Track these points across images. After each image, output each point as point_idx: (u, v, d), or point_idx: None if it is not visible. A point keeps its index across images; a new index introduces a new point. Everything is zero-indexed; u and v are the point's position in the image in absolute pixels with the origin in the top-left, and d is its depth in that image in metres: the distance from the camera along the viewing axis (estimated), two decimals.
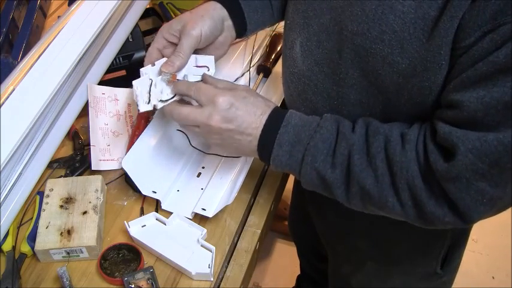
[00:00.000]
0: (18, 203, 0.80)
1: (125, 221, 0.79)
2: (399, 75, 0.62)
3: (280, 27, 1.08)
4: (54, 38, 0.90)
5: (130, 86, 0.98)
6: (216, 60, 0.82)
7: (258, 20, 0.85)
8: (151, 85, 0.75)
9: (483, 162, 0.57)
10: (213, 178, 0.87)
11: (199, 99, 0.71)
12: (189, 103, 0.76)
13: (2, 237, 0.77)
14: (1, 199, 0.76)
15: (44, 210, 0.80)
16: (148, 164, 0.86)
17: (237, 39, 0.90)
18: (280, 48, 1.04)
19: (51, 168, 0.89)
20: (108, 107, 0.94)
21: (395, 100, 0.66)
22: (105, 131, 0.92)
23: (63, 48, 0.89)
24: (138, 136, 0.87)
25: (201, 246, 0.78)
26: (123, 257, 0.77)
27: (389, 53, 0.61)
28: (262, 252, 1.51)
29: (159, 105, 0.74)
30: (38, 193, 0.85)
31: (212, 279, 0.76)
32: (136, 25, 1.03)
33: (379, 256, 0.92)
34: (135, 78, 0.76)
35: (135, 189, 0.85)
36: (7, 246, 0.78)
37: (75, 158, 0.91)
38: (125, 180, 0.88)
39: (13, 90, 0.83)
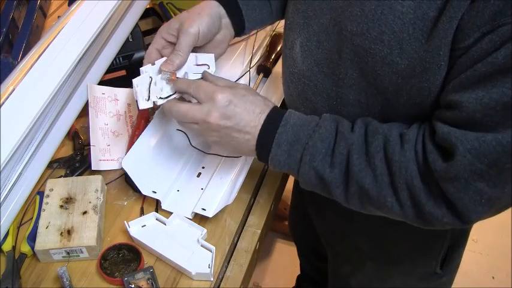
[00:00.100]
0: (18, 203, 0.80)
1: (125, 221, 0.79)
2: (398, 75, 0.62)
3: (280, 27, 1.08)
4: (54, 38, 0.90)
5: (130, 86, 0.98)
6: (215, 58, 0.82)
7: (256, 18, 0.85)
8: (151, 83, 0.75)
9: (482, 162, 0.57)
10: (213, 178, 0.87)
11: (198, 96, 0.71)
12: (189, 102, 0.76)
13: (2, 237, 0.77)
14: (1, 199, 0.76)
15: (44, 210, 0.80)
16: (148, 164, 0.86)
17: (237, 39, 0.91)
18: (280, 48, 1.04)
19: (51, 168, 0.89)
20: (108, 107, 0.94)
21: (395, 100, 0.66)
22: (105, 131, 0.92)
23: (63, 48, 0.89)
24: (138, 136, 0.87)
25: (201, 246, 0.78)
26: (123, 257, 0.77)
27: (389, 53, 0.61)
28: (262, 252, 1.51)
29: (159, 102, 0.75)
30: (38, 193, 0.85)
31: (212, 279, 0.76)
32: (137, 25, 1.03)
33: (379, 256, 0.92)
34: (135, 78, 0.76)
35: (135, 189, 0.85)
36: (7, 246, 0.78)
37: (75, 158, 0.91)
38: (125, 180, 0.88)
39: (13, 90, 0.83)
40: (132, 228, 0.79)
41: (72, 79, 0.89)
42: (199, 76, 0.78)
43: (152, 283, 0.73)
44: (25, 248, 0.78)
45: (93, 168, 0.86)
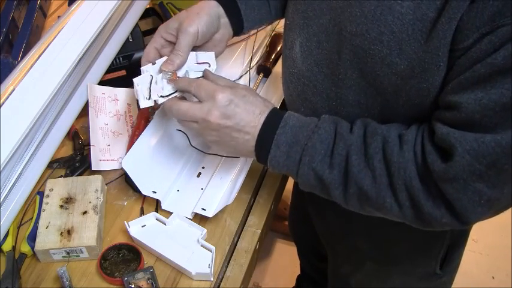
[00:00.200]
0: (18, 203, 0.80)
1: (125, 221, 0.79)
2: (397, 76, 0.62)
3: (280, 27, 1.08)
4: (54, 38, 0.90)
5: (130, 85, 0.98)
6: (215, 57, 0.82)
7: (255, 18, 0.85)
8: (151, 82, 0.76)
9: (480, 163, 0.57)
10: (213, 178, 0.87)
11: (199, 94, 0.71)
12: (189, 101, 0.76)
13: (2, 237, 0.77)
14: (1, 199, 0.76)
15: (44, 210, 0.80)
16: (148, 164, 0.86)
17: (237, 39, 0.90)
18: (280, 48, 1.04)
19: (51, 168, 0.89)
20: (108, 107, 0.94)
21: (394, 101, 0.66)
22: (105, 131, 0.92)
23: (63, 48, 0.89)
24: (138, 136, 0.87)
25: (201, 246, 0.78)
26: (123, 257, 0.77)
27: (388, 54, 0.61)
28: (262, 252, 1.51)
29: (160, 101, 0.75)
30: (38, 193, 0.85)
31: (212, 279, 0.76)
32: (137, 25, 1.03)
33: (378, 256, 0.92)
34: (135, 77, 0.76)
35: (135, 189, 0.85)
36: (7, 246, 0.78)
37: (75, 158, 0.91)
38: (125, 180, 0.88)
39: (13, 90, 0.83)
40: (132, 228, 0.79)
41: (72, 79, 0.89)
42: (200, 74, 0.78)
43: (152, 283, 0.73)
44: (25, 248, 0.78)
45: (93, 168, 0.86)
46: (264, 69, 1.04)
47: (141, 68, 0.78)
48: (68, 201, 0.81)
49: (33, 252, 0.77)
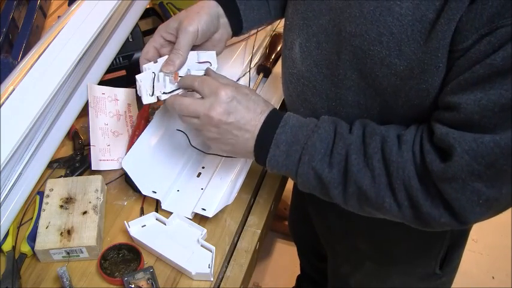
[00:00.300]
0: (18, 203, 0.80)
1: (125, 221, 0.79)
2: (397, 77, 0.62)
3: (280, 27, 1.08)
4: (54, 38, 0.90)
5: (130, 86, 0.98)
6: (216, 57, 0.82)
7: (254, 18, 0.85)
8: (154, 79, 0.76)
9: (479, 163, 0.57)
10: (213, 178, 0.87)
11: (202, 90, 0.72)
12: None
13: (2, 237, 0.77)
14: (1, 199, 0.77)
15: (44, 210, 0.80)
16: (148, 164, 0.86)
17: (237, 39, 0.90)
18: (280, 48, 1.04)
19: (51, 168, 0.89)
20: (108, 107, 0.94)
21: (393, 102, 0.66)
22: (105, 131, 0.92)
23: (63, 48, 0.89)
24: (138, 136, 0.87)
25: (201, 246, 0.78)
26: (123, 257, 0.77)
27: (387, 55, 0.61)
28: (262, 252, 1.51)
29: (163, 97, 0.75)
30: (38, 193, 0.85)
31: (212, 279, 0.76)
32: (137, 25, 1.03)
33: (378, 256, 0.92)
34: (135, 79, 0.76)
35: (135, 189, 0.85)
36: (7, 246, 0.78)
37: (75, 158, 0.91)
38: (125, 180, 0.88)
39: (13, 90, 0.83)
40: (132, 228, 0.79)
41: (72, 79, 0.89)
42: (202, 73, 0.79)
43: (152, 283, 0.73)
44: (25, 248, 0.78)
45: (93, 168, 0.86)
46: (264, 69, 1.04)
47: (142, 66, 0.78)
48: (68, 201, 0.81)
49: (33, 252, 0.77)
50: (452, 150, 0.58)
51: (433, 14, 0.57)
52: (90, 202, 0.81)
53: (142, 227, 0.81)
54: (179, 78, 0.76)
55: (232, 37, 0.85)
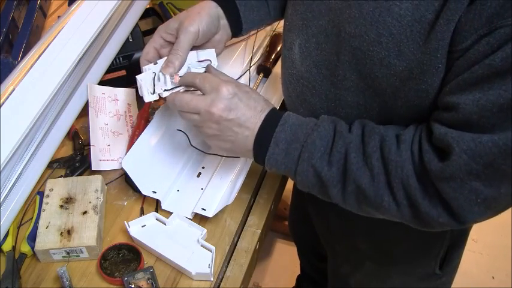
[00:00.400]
0: (18, 203, 0.80)
1: (125, 221, 0.79)
2: (396, 77, 0.62)
3: (280, 27, 1.08)
4: (54, 38, 0.90)
5: (130, 86, 0.98)
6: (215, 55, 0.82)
7: (254, 19, 0.85)
8: (154, 78, 0.76)
9: (477, 163, 0.57)
10: (213, 178, 0.87)
11: (203, 86, 0.72)
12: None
13: (2, 237, 0.77)
14: (1, 199, 0.77)
15: (44, 210, 0.80)
16: (149, 164, 0.86)
17: (237, 39, 0.90)
18: (280, 48, 1.04)
19: (51, 168, 0.89)
20: (108, 107, 0.94)
21: (392, 102, 0.66)
22: (105, 131, 0.92)
23: (63, 48, 0.89)
24: (138, 136, 0.87)
25: (201, 246, 0.78)
26: (123, 257, 0.78)
27: (387, 55, 0.61)
28: (262, 252, 1.51)
29: (164, 94, 0.75)
30: (38, 193, 0.85)
31: (212, 279, 0.76)
32: (137, 25, 1.03)
33: (378, 256, 0.92)
34: (135, 79, 0.76)
35: (135, 189, 0.85)
36: (7, 246, 0.78)
37: (75, 158, 0.91)
38: (125, 180, 0.88)
39: (13, 90, 0.83)
40: (132, 228, 0.79)
41: (72, 79, 0.89)
42: (203, 71, 0.79)
43: (152, 283, 0.73)
44: (25, 248, 0.78)
45: (93, 168, 0.86)
46: (264, 69, 1.04)
47: (142, 67, 0.78)
48: (68, 201, 0.81)
49: (33, 252, 0.77)
50: (451, 149, 0.58)
51: (432, 15, 0.57)
52: (90, 202, 0.81)
53: (142, 227, 0.81)
54: (179, 78, 0.76)
55: (231, 38, 0.85)
